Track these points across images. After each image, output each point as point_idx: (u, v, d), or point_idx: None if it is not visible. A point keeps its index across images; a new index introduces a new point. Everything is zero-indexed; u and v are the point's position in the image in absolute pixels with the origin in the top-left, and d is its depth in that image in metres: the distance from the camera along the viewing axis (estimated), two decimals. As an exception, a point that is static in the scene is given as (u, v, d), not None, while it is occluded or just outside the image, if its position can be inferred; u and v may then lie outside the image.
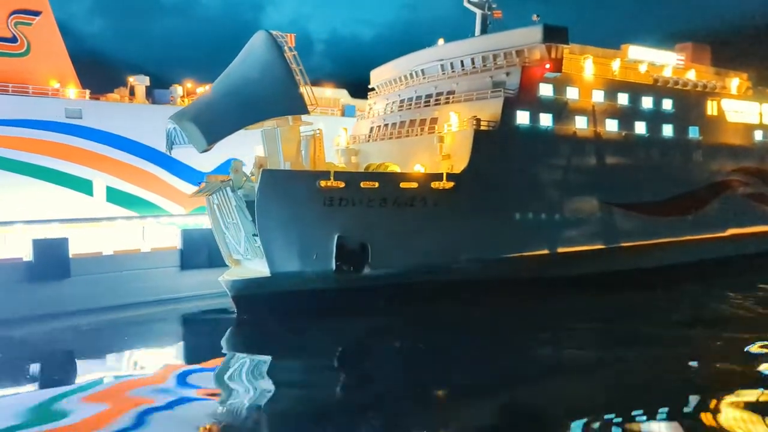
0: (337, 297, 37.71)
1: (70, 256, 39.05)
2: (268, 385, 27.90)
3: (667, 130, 54.58)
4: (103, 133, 52.28)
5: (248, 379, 28.71)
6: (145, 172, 53.74)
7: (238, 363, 31.49)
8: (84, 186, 51.05)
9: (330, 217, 37.50)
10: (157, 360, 32.81)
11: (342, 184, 37.09)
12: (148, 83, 57.30)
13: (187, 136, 35.79)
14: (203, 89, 61.48)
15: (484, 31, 53.60)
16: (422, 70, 51.59)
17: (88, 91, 53.43)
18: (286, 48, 38.63)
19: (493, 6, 54.34)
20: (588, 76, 48.86)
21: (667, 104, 54.69)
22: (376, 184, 38.20)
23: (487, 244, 42.07)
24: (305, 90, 37.82)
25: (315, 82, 72.37)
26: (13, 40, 50.42)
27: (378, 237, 38.56)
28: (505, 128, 42.82)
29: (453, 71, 48.95)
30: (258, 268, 39.13)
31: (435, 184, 39.56)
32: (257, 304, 37.51)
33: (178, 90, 59.46)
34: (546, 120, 45.47)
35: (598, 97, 49.13)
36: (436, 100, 47.94)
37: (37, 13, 51.76)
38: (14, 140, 47.78)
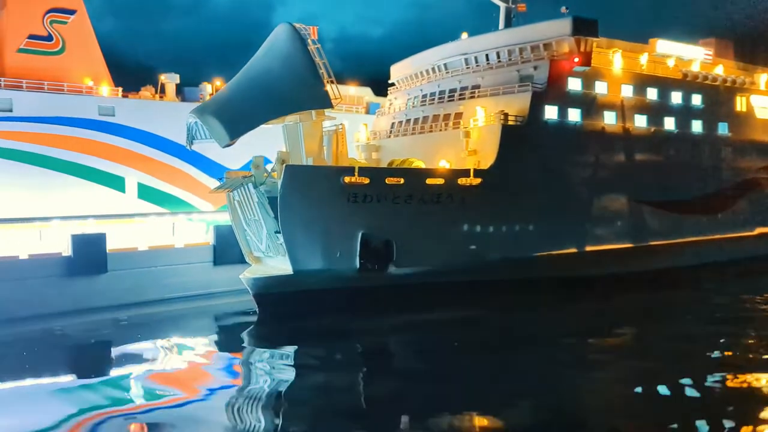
0: (361, 296, 36.76)
1: (107, 251, 39.50)
2: (287, 383, 27.17)
3: (697, 126, 53.27)
4: (134, 131, 52.21)
5: (269, 377, 27.97)
6: (175, 168, 53.65)
7: (259, 361, 30.81)
8: (117, 183, 51.16)
9: (354, 213, 36.56)
10: (187, 355, 32.53)
11: (366, 180, 36.13)
12: (178, 81, 57.25)
13: (209, 130, 34.95)
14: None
15: (508, 24, 52.43)
16: (445, 65, 50.51)
17: (120, 89, 53.48)
18: (309, 41, 37.71)
19: (518, -1, 53.20)
20: (617, 71, 47.59)
21: (697, 99, 53.35)
22: (402, 180, 37.20)
23: (514, 242, 41.00)
24: (329, 84, 36.87)
25: (339, 80, 72.52)
26: (49, 38, 50.96)
27: (403, 234, 37.55)
28: (533, 123, 41.71)
29: (478, 65, 47.86)
30: (280, 265, 38.25)
31: (462, 181, 38.51)
32: (279, 302, 36.62)
33: (208, 88, 59.28)
34: (574, 115, 44.31)
35: (627, 91, 47.89)
36: (461, 94, 46.88)
37: (72, 12, 52.11)
38: (50, 137, 47.97)
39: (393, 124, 51.95)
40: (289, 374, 28.34)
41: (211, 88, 59.85)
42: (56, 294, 37.37)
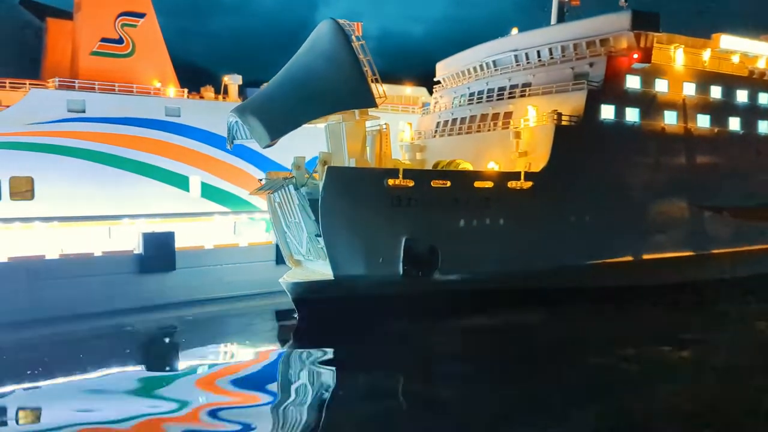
0: (404, 303, 35.12)
1: (175, 249, 41.06)
2: (329, 391, 26.53)
3: (763, 127, 49.92)
4: (199, 131, 53.08)
5: (310, 385, 27.43)
6: (237, 168, 54.19)
7: (300, 367, 30.33)
8: (181, 182, 51.85)
9: (397, 218, 35.00)
10: (245, 353, 33.56)
11: (411, 183, 34.59)
12: (240, 82, 57.93)
13: (249, 130, 33.94)
14: None
15: (561, 19, 50.04)
16: (494, 62, 48.43)
17: (185, 90, 54.69)
18: (353, 37, 36.29)
19: (572, -8, 50.65)
20: (678, 67, 44.75)
21: (764, 98, 50.07)
22: (448, 183, 35.52)
23: (566, 249, 38.80)
24: (373, 82, 35.39)
25: (395, 80, 72.48)
26: (120, 41, 52.76)
27: (449, 240, 35.78)
28: (588, 123, 39.40)
29: (529, 62, 45.62)
30: (320, 269, 37.02)
31: (512, 184, 36.59)
32: (319, 308, 35.35)
33: None
34: (632, 115, 41.81)
35: (688, 90, 45.05)
36: (510, 93, 44.78)
37: (141, 15, 53.68)
38: (119, 137, 49.42)
39: (438, 123, 50.17)
40: (328, 384, 27.49)
41: None
42: (127, 290, 38.98)
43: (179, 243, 41.33)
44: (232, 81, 57.20)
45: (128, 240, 41.54)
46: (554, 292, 37.52)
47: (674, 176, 43.93)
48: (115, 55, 52.14)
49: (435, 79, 56.65)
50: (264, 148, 34.33)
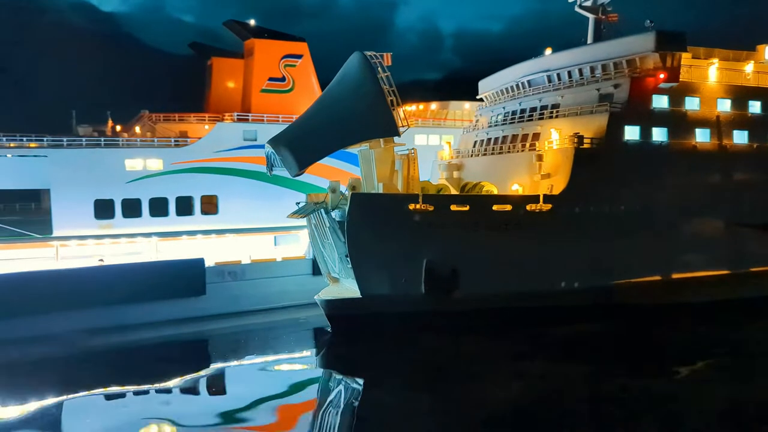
0: (426, 321, 37.15)
1: None
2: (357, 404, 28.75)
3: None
4: (342, 152, 61.42)
5: (341, 398, 29.41)
6: None
7: (331, 381, 32.71)
8: None
9: (418, 241, 36.97)
10: None
11: (431, 208, 36.45)
12: None
13: (281, 160, 36.86)
14: (434, 105, 75.88)
15: (598, 37, 50.21)
16: (528, 82, 49.45)
17: None
18: (379, 69, 38.62)
19: (608, 9, 50.71)
20: (712, 83, 44.33)
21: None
22: (467, 207, 37.15)
23: (585, 269, 39.49)
24: (397, 111, 37.57)
25: (453, 97, 74.20)
26: (282, 79, 64.96)
27: (469, 262, 37.42)
28: (610, 146, 39.90)
29: (560, 83, 46.41)
30: (351, 287, 39.54)
31: (531, 207, 37.76)
32: (349, 323, 37.87)
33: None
34: (659, 134, 41.85)
35: (723, 106, 44.48)
36: (541, 113, 45.73)
37: (299, 56, 65.35)
38: None
39: (475, 142, 51.62)
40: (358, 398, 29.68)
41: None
42: (300, 289, 44.94)
43: None
44: None
45: (288, 247, 50.04)
46: (575, 311, 38.40)
47: (708, 194, 43.41)
48: (279, 92, 63.69)
49: (477, 97, 58.05)
50: (294, 176, 37.07)
